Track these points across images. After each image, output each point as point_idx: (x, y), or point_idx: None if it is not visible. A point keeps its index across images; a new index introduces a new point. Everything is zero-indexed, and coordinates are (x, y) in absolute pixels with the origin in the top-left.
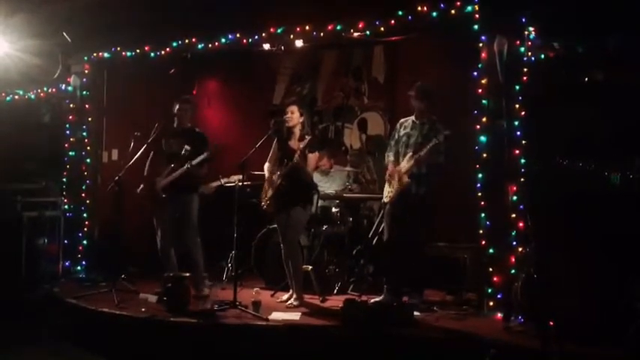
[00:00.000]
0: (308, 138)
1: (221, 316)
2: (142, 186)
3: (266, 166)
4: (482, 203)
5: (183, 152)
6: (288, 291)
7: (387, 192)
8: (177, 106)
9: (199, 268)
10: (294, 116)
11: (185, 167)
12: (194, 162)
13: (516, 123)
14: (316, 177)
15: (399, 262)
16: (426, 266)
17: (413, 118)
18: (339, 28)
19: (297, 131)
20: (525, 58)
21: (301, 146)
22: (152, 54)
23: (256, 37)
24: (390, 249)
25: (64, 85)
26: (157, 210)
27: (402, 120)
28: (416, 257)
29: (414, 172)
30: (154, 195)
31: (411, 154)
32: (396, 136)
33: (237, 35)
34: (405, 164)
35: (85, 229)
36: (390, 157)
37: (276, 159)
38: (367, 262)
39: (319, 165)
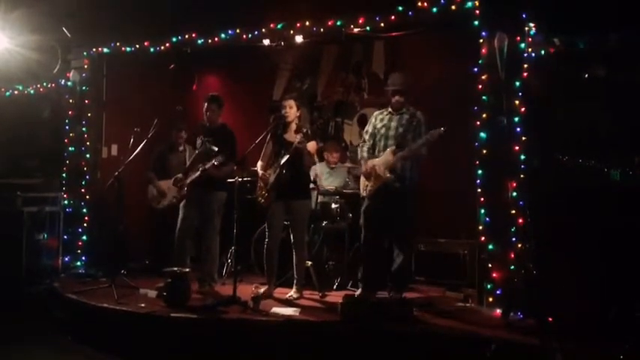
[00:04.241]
0: (305, 130)
1: (221, 312)
2: (180, 176)
3: (259, 164)
4: (482, 199)
5: (207, 149)
6: (291, 287)
7: (365, 185)
8: (205, 106)
9: (210, 266)
10: (291, 111)
11: (199, 171)
12: (207, 165)
13: (516, 119)
14: (323, 172)
15: (373, 259)
16: (407, 261)
17: (390, 109)
18: (339, 23)
19: (294, 125)
20: (526, 54)
21: (298, 138)
22: (152, 49)
23: (256, 32)
24: (367, 247)
25: (63, 81)
26: (186, 199)
27: (377, 112)
28: (404, 253)
29: (396, 166)
30: (182, 188)
31: (394, 147)
32: (371, 130)
33: (237, 31)
34: (388, 157)
35: (85, 224)
36: (364, 152)
37: (270, 154)
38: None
39: (328, 159)
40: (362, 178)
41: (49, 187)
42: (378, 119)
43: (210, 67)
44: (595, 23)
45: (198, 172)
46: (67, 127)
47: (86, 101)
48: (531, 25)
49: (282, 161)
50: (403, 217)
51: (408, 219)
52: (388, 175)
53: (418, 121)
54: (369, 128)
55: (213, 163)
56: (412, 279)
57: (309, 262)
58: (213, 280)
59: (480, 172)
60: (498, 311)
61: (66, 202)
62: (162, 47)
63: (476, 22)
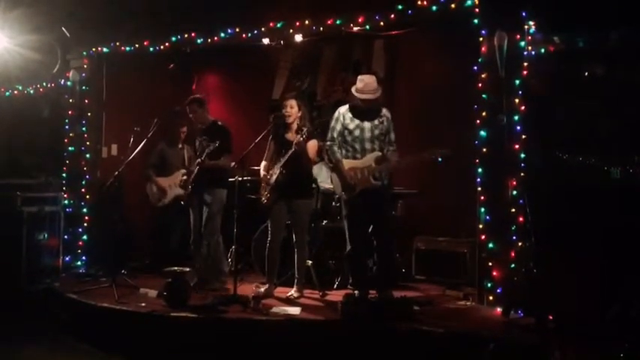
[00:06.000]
0: (305, 129)
1: (221, 311)
2: (184, 177)
3: (263, 164)
4: (482, 198)
5: (204, 147)
6: (291, 286)
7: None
8: (187, 110)
9: (215, 263)
10: (293, 110)
11: (196, 167)
12: (203, 156)
13: (516, 117)
14: (324, 172)
15: (362, 263)
16: (393, 260)
17: (360, 109)
18: (338, 22)
19: (295, 125)
20: (525, 53)
21: (299, 137)
22: (151, 49)
23: (256, 31)
24: (356, 254)
25: (63, 80)
26: (190, 202)
27: (344, 109)
28: (390, 253)
29: (380, 173)
30: (187, 188)
31: (378, 154)
32: (339, 128)
33: (237, 30)
34: (371, 164)
35: (85, 224)
36: (337, 154)
37: (273, 154)
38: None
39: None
40: (335, 178)
41: (48, 187)
42: (347, 118)
43: (209, 67)
44: (595, 22)
45: (197, 168)
46: (66, 127)
47: (86, 101)
48: (531, 23)
49: (281, 162)
50: (387, 220)
51: (391, 220)
52: (373, 182)
53: (387, 119)
54: (336, 126)
55: (208, 153)
56: (400, 277)
57: (310, 262)
58: (223, 274)
59: (480, 170)
60: (498, 310)
61: (66, 201)
62: (162, 47)
63: (475, 21)
